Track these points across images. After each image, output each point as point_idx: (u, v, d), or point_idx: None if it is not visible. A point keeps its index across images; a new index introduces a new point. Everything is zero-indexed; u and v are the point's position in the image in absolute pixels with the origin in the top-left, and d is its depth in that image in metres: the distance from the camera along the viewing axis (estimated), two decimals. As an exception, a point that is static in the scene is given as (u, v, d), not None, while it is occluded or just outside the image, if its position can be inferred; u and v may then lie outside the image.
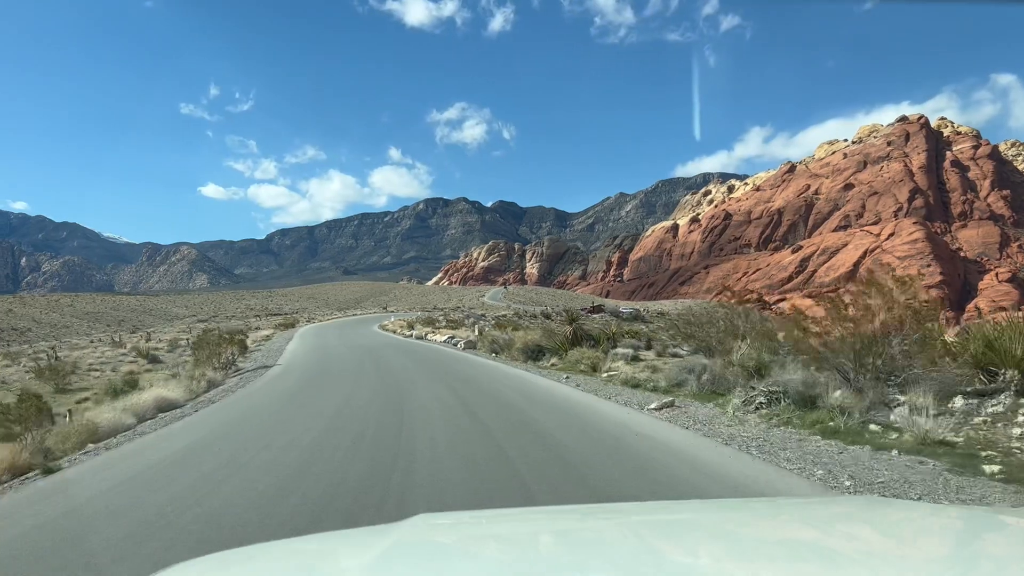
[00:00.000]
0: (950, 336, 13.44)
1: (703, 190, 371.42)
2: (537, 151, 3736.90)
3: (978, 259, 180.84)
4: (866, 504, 3.00)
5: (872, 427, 9.44)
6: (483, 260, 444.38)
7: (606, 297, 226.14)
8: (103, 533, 6.20)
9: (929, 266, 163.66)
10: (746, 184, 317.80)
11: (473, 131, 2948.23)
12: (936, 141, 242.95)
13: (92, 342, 52.78)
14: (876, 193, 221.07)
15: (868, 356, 11.38)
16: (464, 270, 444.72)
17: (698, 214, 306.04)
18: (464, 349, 31.59)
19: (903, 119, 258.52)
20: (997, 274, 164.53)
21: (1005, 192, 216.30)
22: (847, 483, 7.12)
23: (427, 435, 10.39)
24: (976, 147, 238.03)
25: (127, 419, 13.12)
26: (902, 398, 10.34)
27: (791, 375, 11.81)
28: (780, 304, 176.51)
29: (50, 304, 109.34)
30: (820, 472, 7.57)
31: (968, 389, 10.67)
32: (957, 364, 11.41)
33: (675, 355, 22.57)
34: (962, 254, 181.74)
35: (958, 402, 10.21)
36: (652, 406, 12.58)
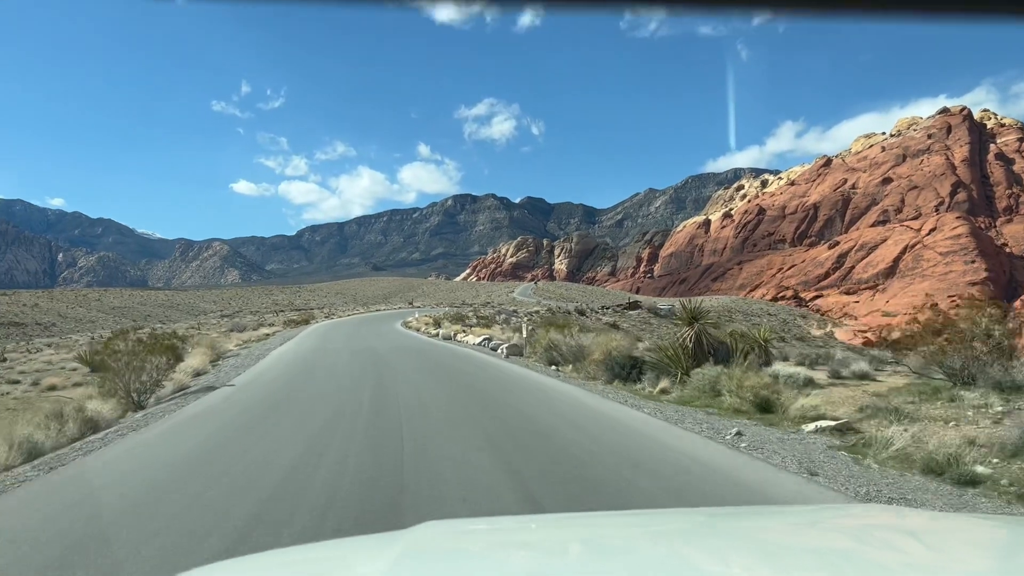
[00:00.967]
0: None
1: (735, 184, 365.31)
2: (566, 147, 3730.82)
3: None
4: (906, 513, 3.19)
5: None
6: (511, 256, 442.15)
7: (636, 293, 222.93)
8: None
9: (973, 262, 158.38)
10: (780, 178, 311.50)
11: (502, 127, 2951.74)
12: (979, 134, 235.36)
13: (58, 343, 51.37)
14: (916, 187, 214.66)
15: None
16: (492, 266, 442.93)
17: (730, 209, 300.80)
18: (507, 357, 24.25)
19: (944, 111, 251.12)
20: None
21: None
22: None
23: None
24: (1022, 139, 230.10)
25: None
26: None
27: None
28: (817, 301, 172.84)
29: (78, 298, 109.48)
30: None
31: None
32: None
33: (865, 375, 16.17)
34: (1008, 250, 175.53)
35: None
36: None
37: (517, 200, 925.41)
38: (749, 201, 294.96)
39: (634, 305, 63.88)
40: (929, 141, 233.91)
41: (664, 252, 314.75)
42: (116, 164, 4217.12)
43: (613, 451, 8.90)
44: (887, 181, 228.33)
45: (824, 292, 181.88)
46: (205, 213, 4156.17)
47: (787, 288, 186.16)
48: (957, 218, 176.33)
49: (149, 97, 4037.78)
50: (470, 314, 50.54)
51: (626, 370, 16.09)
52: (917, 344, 13.63)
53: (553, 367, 20.48)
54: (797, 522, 2.60)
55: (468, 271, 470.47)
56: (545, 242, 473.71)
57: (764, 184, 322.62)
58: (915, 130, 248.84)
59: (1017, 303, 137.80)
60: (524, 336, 25.94)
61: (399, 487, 7.15)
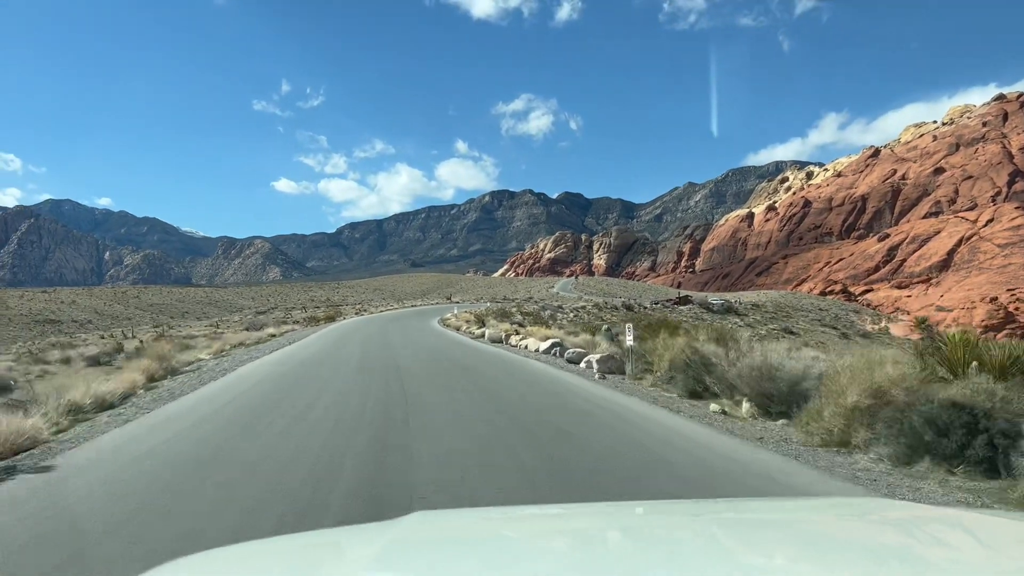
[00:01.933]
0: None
1: (779, 177, 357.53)
2: (603, 141, 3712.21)
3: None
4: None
5: None
6: (549, 251, 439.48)
7: (678, 288, 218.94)
8: None
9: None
10: (826, 170, 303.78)
11: (539, 122, 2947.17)
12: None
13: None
14: (971, 177, 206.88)
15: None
16: (530, 261, 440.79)
17: (774, 202, 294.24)
18: (602, 376, 15.61)
19: (1000, 97, 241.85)
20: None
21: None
22: None
23: None
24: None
25: None
26: None
27: None
28: (867, 295, 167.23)
29: (116, 296, 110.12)
30: None
31: None
32: None
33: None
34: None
35: None
36: None
37: (554, 195, 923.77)
38: (794, 193, 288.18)
39: (685, 300, 61.12)
40: (984, 129, 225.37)
41: (706, 246, 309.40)
42: (161, 164, 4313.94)
43: None
44: (939, 171, 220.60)
45: (874, 286, 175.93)
46: (247, 211, 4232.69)
47: (835, 282, 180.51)
48: (1016, 208, 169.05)
49: (192, 98, 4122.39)
50: (513, 310, 48.30)
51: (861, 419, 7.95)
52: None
53: (686, 399, 12.29)
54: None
55: (506, 267, 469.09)
56: (583, 237, 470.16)
57: (809, 176, 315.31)
58: (969, 118, 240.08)
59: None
60: (630, 343, 15.80)
61: None
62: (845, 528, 2.21)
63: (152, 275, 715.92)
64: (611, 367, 16.33)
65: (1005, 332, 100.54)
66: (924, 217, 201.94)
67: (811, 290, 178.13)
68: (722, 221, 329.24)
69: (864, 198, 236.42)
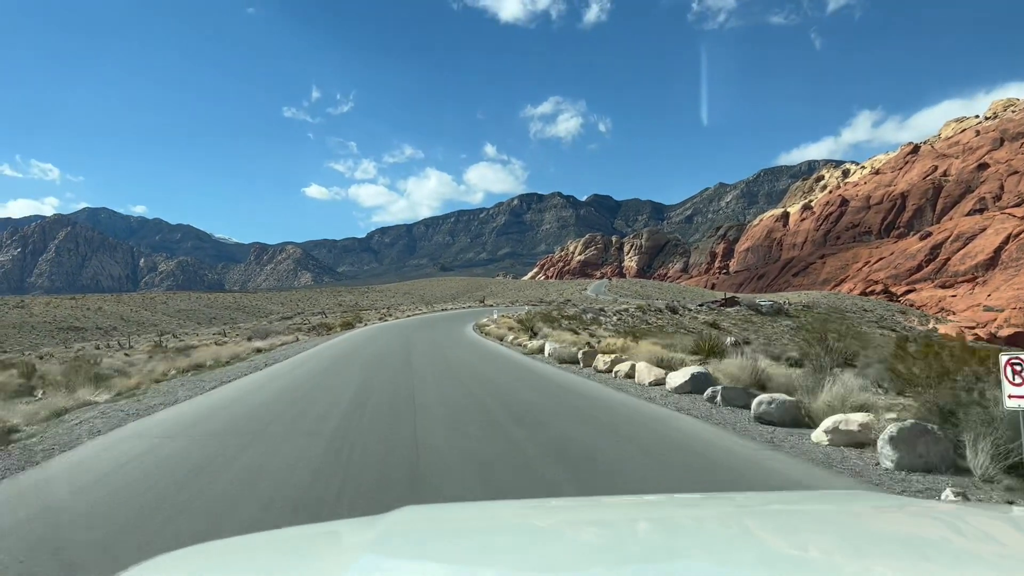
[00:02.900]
0: None
1: (815, 175, 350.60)
2: (632, 143, 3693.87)
3: None
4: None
5: None
6: (579, 254, 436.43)
7: (711, 289, 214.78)
8: None
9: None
10: (863, 168, 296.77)
11: (567, 124, 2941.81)
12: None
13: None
14: (1017, 172, 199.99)
15: None
16: (560, 264, 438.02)
17: (810, 201, 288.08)
18: (903, 470, 7.05)
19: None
20: None
21: None
22: None
23: None
24: None
25: None
26: None
27: None
28: (909, 295, 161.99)
29: (144, 302, 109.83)
30: None
31: None
32: None
33: None
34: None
35: None
36: None
37: (584, 198, 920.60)
38: (830, 192, 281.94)
39: (731, 301, 58.39)
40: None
41: (740, 247, 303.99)
42: (194, 172, 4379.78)
43: None
44: (983, 167, 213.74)
45: (917, 286, 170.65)
46: (279, 217, 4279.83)
47: (875, 282, 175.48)
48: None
49: (223, 106, 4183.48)
50: (555, 314, 45.78)
51: None
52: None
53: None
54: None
55: (535, 270, 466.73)
56: (614, 239, 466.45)
57: (845, 174, 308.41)
58: (1013, 111, 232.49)
59: None
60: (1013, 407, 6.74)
61: None
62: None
63: (186, 281, 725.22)
64: (928, 453, 7.11)
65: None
66: (968, 214, 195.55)
67: (851, 290, 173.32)
68: (756, 221, 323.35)
69: (904, 195, 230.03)
